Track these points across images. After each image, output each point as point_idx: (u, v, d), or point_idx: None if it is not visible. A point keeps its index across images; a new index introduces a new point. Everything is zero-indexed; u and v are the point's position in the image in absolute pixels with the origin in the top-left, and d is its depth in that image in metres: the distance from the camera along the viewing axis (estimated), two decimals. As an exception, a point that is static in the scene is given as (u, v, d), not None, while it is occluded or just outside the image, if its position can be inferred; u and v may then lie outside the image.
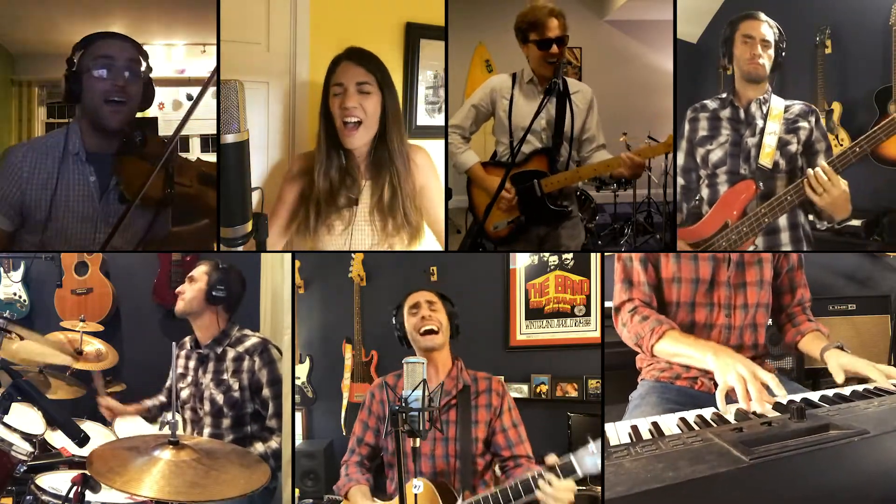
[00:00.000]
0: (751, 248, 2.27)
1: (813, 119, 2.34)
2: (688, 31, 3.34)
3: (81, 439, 1.85)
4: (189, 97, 2.94)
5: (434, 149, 2.67)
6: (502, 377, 2.42)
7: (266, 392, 2.49)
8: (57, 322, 3.45)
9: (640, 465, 1.29)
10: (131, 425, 3.05)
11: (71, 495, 1.90)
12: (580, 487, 1.87)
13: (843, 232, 2.84)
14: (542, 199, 2.62)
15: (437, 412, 2.15)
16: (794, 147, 2.32)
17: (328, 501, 3.27)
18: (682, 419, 1.74)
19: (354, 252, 3.12)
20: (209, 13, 2.43)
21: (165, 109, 2.94)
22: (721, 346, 1.95)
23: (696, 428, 1.64)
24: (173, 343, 2.14)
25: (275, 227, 2.38)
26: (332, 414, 3.70)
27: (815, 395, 1.84)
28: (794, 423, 1.44)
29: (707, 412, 1.78)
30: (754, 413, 1.70)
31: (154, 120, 2.87)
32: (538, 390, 3.31)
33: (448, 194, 2.70)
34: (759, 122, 2.35)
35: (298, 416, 3.71)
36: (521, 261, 3.44)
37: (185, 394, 2.56)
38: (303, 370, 3.79)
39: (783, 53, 2.35)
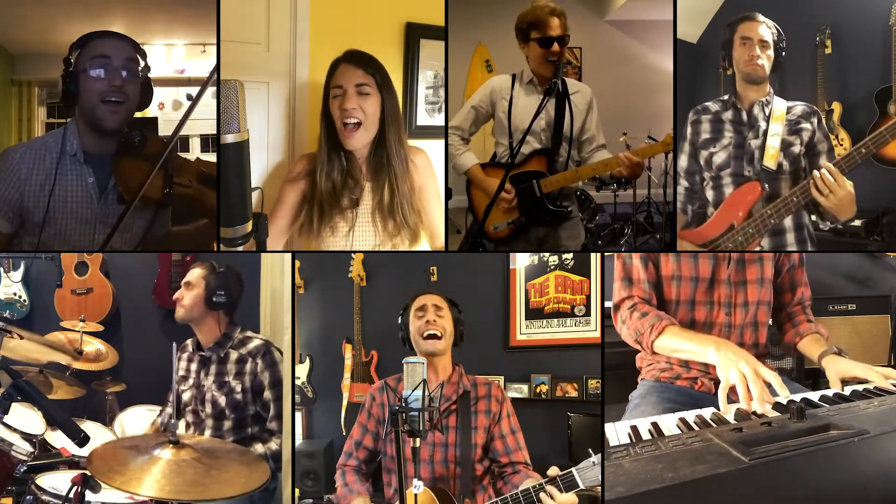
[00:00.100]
0: (756, 250, 2.27)
1: (815, 120, 2.35)
2: (688, 31, 3.33)
3: (81, 439, 1.85)
4: (189, 97, 2.93)
5: (434, 149, 2.67)
6: (502, 378, 2.42)
7: (268, 394, 2.48)
8: (57, 322, 3.46)
9: (640, 465, 1.29)
10: (131, 421, 3.06)
11: (71, 495, 1.90)
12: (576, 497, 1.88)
13: (843, 232, 2.85)
14: (541, 200, 2.62)
15: (438, 413, 2.15)
16: (797, 149, 2.33)
17: (328, 501, 3.27)
18: (682, 419, 1.74)
19: (354, 252, 3.12)
20: (209, 13, 2.43)
21: (165, 109, 2.94)
22: (724, 341, 1.95)
23: (696, 428, 1.64)
24: (173, 344, 2.14)
25: (275, 228, 2.38)
26: (332, 414, 3.70)
27: (815, 395, 1.84)
28: (794, 423, 1.44)
29: (707, 412, 1.78)
30: (754, 413, 1.69)
31: (154, 120, 2.87)
32: (538, 390, 3.31)
33: (448, 194, 2.70)
34: (762, 125, 2.35)
35: (298, 416, 3.71)
36: (521, 261, 3.44)
37: (186, 396, 2.55)
38: (303, 370, 3.79)
39: (783, 54, 2.35)
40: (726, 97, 2.43)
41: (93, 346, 3.21)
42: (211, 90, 2.29)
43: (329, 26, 2.62)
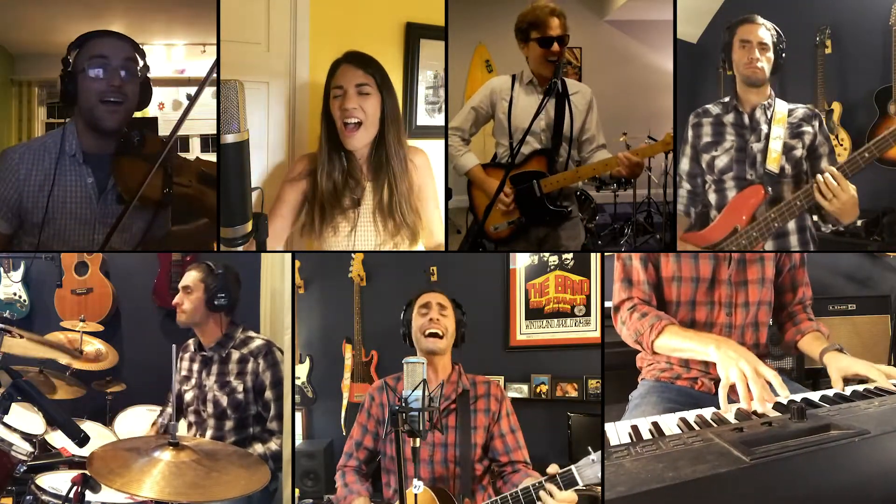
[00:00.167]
0: (757, 250, 2.27)
1: (816, 123, 2.34)
2: (688, 31, 3.34)
3: (81, 439, 1.85)
4: (189, 97, 2.93)
5: (434, 149, 2.67)
6: (502, 378, 2.42)
7: (269, 394, 2.48)
8: (57, 322, 3.46)
9: (641, 465, 1.29)
10: (131, 421, 3.06)
11: (71, 495, 1.90)
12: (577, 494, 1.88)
13: (843, 232, 2.85)
14: (541, 200, 2.62)
15: (438, 413, 2.15)
16: (799, 152, 2.32)
17: (328, 502, 3.27)
18: (683, 419, 1.73)
19: (354, 252, 3.12)
20: (209, 13, 2.43)
21: (165, 109, 2.94)
22: (724, 339, 1.94)
23: (697, 428, 1.64)
24: (173, 346, 2.14)
25: (275, 228, 2.38)
26: (332, 414, 3.70)
27: (815, 395, 1.84)
28: (794, 423, 1.44)
29: (707, 412, 1.78)
30: (755, 412, 1.69)
31: (154, 120, 2.87)
32: (538, 390, 3.31)
33: (448, 194, 2.70)
34: (764, 128, 2.34)
35: (298, 416, 3.71)
36: (521, 261, 3.44)
37: (188, 396, 2.55)
38: (303, 370, 3.79)
39: (783, 56, 2.34)
40: (727, 99, 2.43)
41: (93, 346, 3.21)
42: (211, 90, 2.29)
43: (329, 26, 2.62)
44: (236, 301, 2.57)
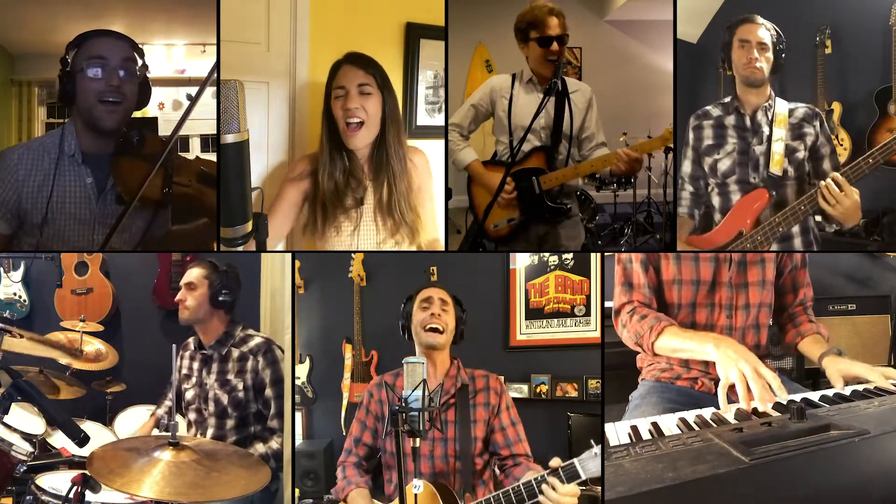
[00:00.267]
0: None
1: (817, 123, 2.34)
2: (688, 31, 3.34)
3: (81, 439, 1.85)
4: (189, 97, 2.93)
5: (434, 149, 2.67)
6: (502, 378, 2.42)
7: (269, 392, 2.48)
8: (57, 322, 3.46)
9: (640, 465, 1.29)
10: (131, 421, 3.06)
11: (71, 495, 1.90)
12: (580, 488, 1.87)
13: (843, 232, 2.84)
14: (540, 196, 2.62)
15: (438, 412, 2.15)
16: (801, 154, 2.32)
17: (328, 502, 3.27)
18: (682, 419, 1.73)
19: (354, 252, 3.12)
20: (209, 13, 2.43)
21: (165, 109, 2.94)
22: (723, 338, 1.94)
23: (696, 428, 1.64)
24: (173, 346, 2.14)
25: (276, 228, 2.38)
26: (332, 414, 3.70)
27: (815, 395, 1.84)
28: (794, 423, 1.43)
29: (707, 412, 1.77)
30: (755, 412, 1.69)
31: (154, 120, 2.87)
32: (538, 390, 3.31)
33: (448, 194, 2.70)
34: (766, 130, 2.33)
35: (298, 416, 3.71)
36: (521, 261, 3.44)
37: (189, 395, 2.55)
38: (303, 370, 3.79)
39: (783, 56, 2.33)
40: (727, 100, 2.42)
41: (93, 346, 3.21)
42: (211, 90, 2.29)
43: (329, 26, 2.62)
44: (237, 299, 2.57)
